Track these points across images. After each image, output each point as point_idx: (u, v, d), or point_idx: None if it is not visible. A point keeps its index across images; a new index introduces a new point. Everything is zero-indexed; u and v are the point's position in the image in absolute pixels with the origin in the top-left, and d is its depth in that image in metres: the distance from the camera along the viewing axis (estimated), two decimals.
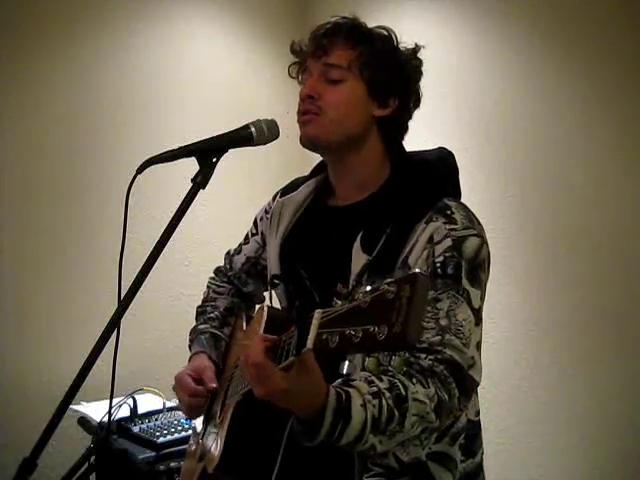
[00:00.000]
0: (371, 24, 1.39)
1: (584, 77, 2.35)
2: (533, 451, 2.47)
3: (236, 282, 1.67)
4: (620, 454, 2.28)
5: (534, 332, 2.48)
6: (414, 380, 1.12)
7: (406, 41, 1.39)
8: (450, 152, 1.41)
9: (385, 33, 1.36)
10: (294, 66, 1.43)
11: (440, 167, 1.38)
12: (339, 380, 1.08)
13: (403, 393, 1.08)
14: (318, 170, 1.50)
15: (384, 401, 1.06)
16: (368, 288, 0.82)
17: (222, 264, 1.72)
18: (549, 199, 2.45)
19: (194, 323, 1.66)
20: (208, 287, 1.71)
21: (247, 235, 1.65)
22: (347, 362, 0.83)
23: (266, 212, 1.58)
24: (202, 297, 1.71)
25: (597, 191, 2.33)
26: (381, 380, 1.09)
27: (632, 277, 2.26)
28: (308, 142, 1.34)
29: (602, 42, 2.31)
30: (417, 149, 1.44)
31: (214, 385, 1.44)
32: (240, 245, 1.67)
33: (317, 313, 0.88)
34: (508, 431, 2.52)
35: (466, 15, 2.68)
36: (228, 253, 1.70)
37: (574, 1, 2.39)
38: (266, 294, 1.67)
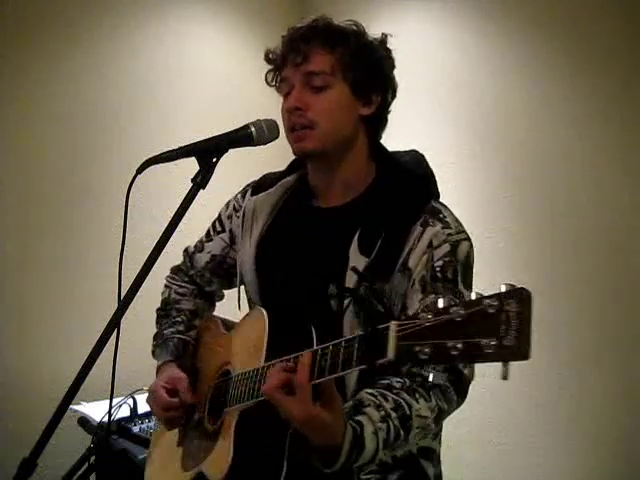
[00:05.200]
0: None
1: (584, 77, 2.36)
2: (533, 451, 2.47)
3: (198, 281, 1.62)
4: (620, 454, 2.28)
5: (534, 332, 2.47)
6: (417, 395, 1.17)
7: (374, 32, 1.37)
8: (422, 154, 1.42)
9: (356, 28, 1.34)
10: (270, 74, 1.39)
11: (422, 169, 1.39)
12: (349, 403, 1.14)
13: (407, 412, 1.14)
14: (294, 167, 1.47)
15: (391, 423, 1.12)
16: (441, 303, 0.84)
17: (180, 263, 1.66)
18: (549, 199, 2.45)
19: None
20: (168, 287, 1.65)
21: (209, 232, 1.60)
22: (435, 372, 0.85)
23: (235, 209, 1.53)
24: (161, 298, 1.65)
25: (597, 191, 2.33)
26: (387, 400, 1.14)
27: (632, 277, 2.26)
28: (303, 155, 1.34)
29: (602, 42, 2.31)
30: (415, 148, 1.45)
31: (189, 400, 1.41)
32: (202, 242, 1.60)
33: (394, 325, 0.91)
34: (508, 431, 2.52)
35: (466, 15, 2.68)
36: (186, 251, 1.65)
37: (574, 1, 2.39)
38: (226, 292, 1.64)
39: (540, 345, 2.64)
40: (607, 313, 2.31)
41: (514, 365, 2.36)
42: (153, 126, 2.79)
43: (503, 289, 0.79)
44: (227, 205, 1.57)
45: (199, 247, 1.61)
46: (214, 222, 1.60)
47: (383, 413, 1.12)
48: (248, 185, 1.54)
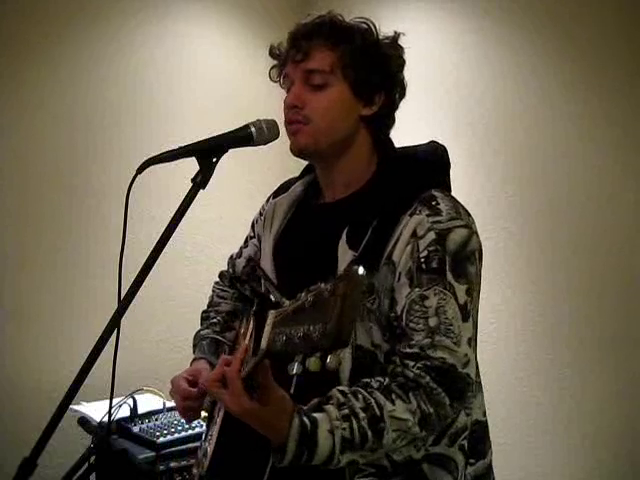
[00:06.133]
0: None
1: (584, 77, 2.35)
2: (533, 451, 2.47)
3: (238, 285, 1.66)
4: (620, 454, 2.28)
5: (534, 332, 2.48)
6: (393, 396, 1.12)
7: (386, 31, 1.34)
8: (442, 146, 1.37)
9: (364, 26, 1.31)
10: (275, 69, 1.39)
11: (428, 159, 1.35)
12: (315, 400, 1.10)
13: (378, 413, 1.09)
14: (308, 170, 1.49)
15: (355, 423, 1.07)
16: (312, 287, 0.82)
17: (225, 268, 1.71)
18: (549, 199, 2.45)
19: (194, 323, 1.66)
20: (213, 291, 1.71)
21: (247, 238, 1.65)
22: (296, 363, 0.82)
23: (260, 214, 1.57)
24: (207, 301, 1.71)
25: (597, 191, 2.33)
26: (357, 399, 1.10)
27: (632, 277, 2.26)
28: (298, 152, 1.32)
29: (602, 41, 2.31)
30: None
31: (204, 387, 1.42)
32: (241, 248, 1.66)
33: (271, 313, 0.88)
34: (508, 431, 2.52)
35: (466, 15, 2.68)
36: (231, 257, 1.70)
37: (574, 1, 2.39)
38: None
39: (540, 345, 2.65)
40: (607, 313, 2.31)
41: (514, 364, 2.35)
42: (153, 126, 2.79)
43: (361, 272, 0.76)
44: (258, 212, 1.61)
45: (239, 253, 1.66)
46: (249, 229, 1.64)
47: (346, 411, 1.07)
48: (274, 191, 1.57)
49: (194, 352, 1.59)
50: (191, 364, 1.55)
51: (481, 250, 1.27)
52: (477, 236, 1.26)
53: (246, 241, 1.65)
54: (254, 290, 1.36)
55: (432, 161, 1.35)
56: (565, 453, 2.40)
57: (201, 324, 1.66)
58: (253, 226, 1.62)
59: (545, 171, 2.46)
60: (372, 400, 1.10)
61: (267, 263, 1.45)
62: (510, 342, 2.52)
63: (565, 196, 2.40)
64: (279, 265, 1.43)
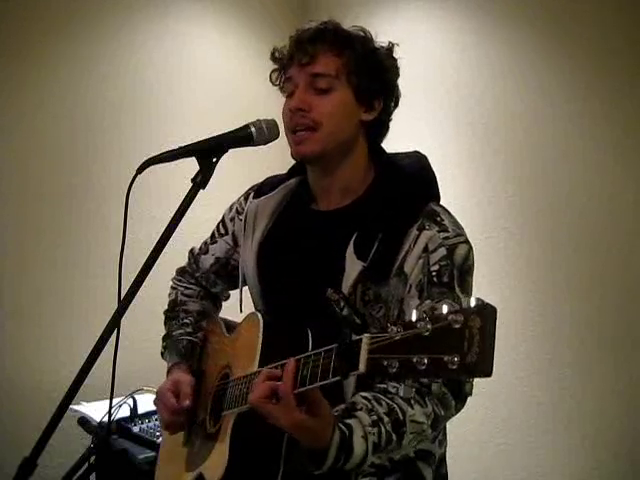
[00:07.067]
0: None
1: (584, 76, 2.36)
2: (534, 451, 2.47)
3: (204, 283, 1.63)
4: (620, 454, 2.28)
5: (534, 332, 2.48)
6: (412, 401, 1.17)
7: (385, 33, 1.37)
8: (425, 156, 1.42)
9: (362, 34, 1.34)
10: (275, 73, 1.39)
11: (422, 171, 1.38)
12: (342, 406, 1.15)
13: (401, 418, 1.14)
14: (295, 170, 1.47)
15: (383, 428, 1.12)
16: (414, 316, 0.85)
17: (185, 264, 1.67)
18: (549, 199, 2.45)
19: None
20: (174, 289, 1.66)
21: (213, 234, 1.60)
22: (404, 386, 0.87)
23: (238, 212, 1.53)
24: (168, 300, 1.65)
25: (597, 191, 2.33)
26: (380, 404, 1.15)
27: (632, 277, 2.26)
28: (302, 159, 1.34)
29: (602, 40, 2.31)
30: (417, 149, 1.44)
31: (187, 403, 1.40)
32: (207, 245, 1.61)
33: (366, 338, 0.91)
34: (508, 431, 2.52)
35: (466, 15, 2.68)
36: (192, 252, 1.65)
37: (574, 0, 2.39)
38: (232, 292, 1.63)
39: (541, 345, 2.65)
40: (607, 313, 2.31)
41: (514, 365, 2.37)
42: (153, 126, 2.79)
43: (473, 304, 0.79)
44: (231, 208, 1.58)
45: (204, 249, 1.61)
46: (218, 224, 1.60)
47: (375, 417, 1.12)
48: (251, 188, 1.54)
49: (164, 354, 1.56)
50: (169, 369, 1.52)
51: (474, 263, 1.32)
52: (473, 250, 1.31)
53: (213, 236, 1.60)
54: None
55: (424, 174, 1.39)
56: (565, 453, 2.40)
57: (167, 324, 1.61)
58: (225, 222, 1.58)
59: (545, 171, 2.46)
60: (395, 405, 1.15)
61: (250, 266, 1.44)
62: (510, 342, 2.52)
63: (565, 196, 2.40)
64: (264, 269, 1.42)
